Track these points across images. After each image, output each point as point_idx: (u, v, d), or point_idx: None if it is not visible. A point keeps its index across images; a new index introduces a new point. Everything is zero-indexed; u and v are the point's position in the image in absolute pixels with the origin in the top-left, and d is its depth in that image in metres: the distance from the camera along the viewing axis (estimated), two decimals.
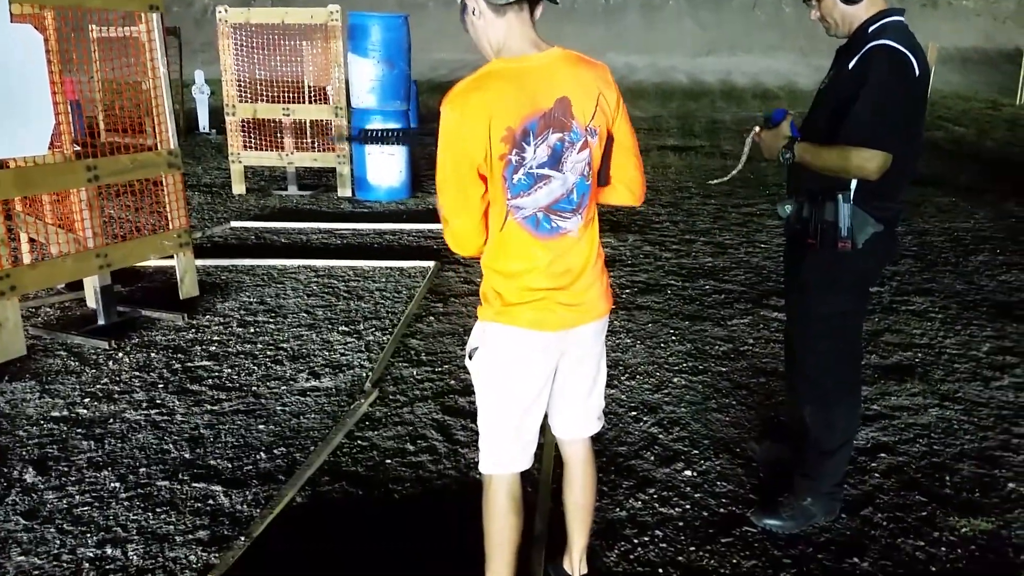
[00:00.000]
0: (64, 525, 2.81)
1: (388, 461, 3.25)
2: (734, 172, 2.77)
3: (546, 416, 2.27)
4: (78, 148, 4.84)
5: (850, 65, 2.43)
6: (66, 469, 3.17)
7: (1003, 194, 8.72)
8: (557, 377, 2.19)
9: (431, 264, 5.87)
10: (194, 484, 3.08)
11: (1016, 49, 24.80)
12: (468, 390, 3.78)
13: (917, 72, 2.36)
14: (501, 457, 2.15)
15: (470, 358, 2.14)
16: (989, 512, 2.94)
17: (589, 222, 2.05)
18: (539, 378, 2.10)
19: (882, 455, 3.32)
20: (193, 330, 4.64)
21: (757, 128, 2.66)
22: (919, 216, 7.66)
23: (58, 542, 2.72)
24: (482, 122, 1.83)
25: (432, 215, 7.63)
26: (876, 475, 3.18)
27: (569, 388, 2.22)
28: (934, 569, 2.63)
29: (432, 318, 4.86)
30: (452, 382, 3.97)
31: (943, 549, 2.73)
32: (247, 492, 3.02)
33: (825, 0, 2.53)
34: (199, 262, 5.57)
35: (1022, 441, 3.45)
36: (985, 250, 6.49)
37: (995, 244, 6.68)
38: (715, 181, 2.80)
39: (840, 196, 2.42)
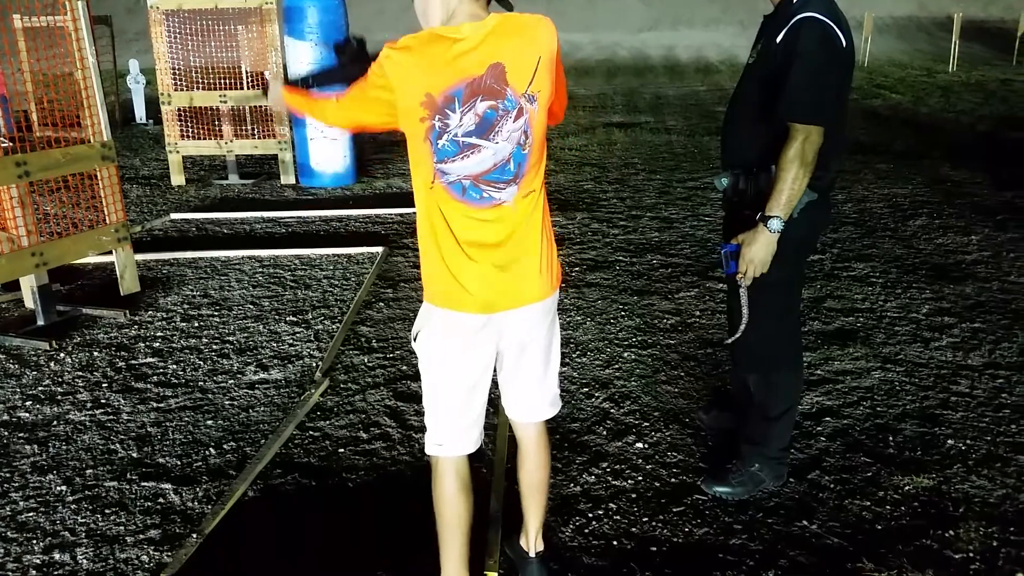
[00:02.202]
0: (8, 532, 2.74)
1: (341, 450, 3.23)
2: (743, 327, 2.72)
3: (500, 396, 2.28)
4: (6, 143, 4.68)
5: (777, 39, 2.45)
6: (8, 475, 3.09)
7: (938, 159, 8.95)
8: (505, 362, 2.19)
9: (379, 250, 5.82)
10: (143, 483, 3.02)
11: (948, 17, 25.34)
12: (420, 375, 3.77)
13: (843, 44, 2.40)
14: (444, 439, 2.16)
15: (414, 340, 2.14)
16: (930, 469, 3.03)
17: (529, 193, 2.01)
18: (478, 360, 2.09)
19: (827, 419, 3.40)
20: (136, 327, 4.54)
21: (738, 274, 2.58)
22: (859, 183, 7.82)
23: (2, 550, 2.65)
24: (410, 79, 1.84)
25: (380, 200, 7.57)
26: (822, 439, 3.25)
27: (520, 373, 2.21)
28: (880, 527, 2.71)
29: (382, 304, 4.83)
30: (404, 368, 3.95)
31: (888, 507, 2.81)
32: (198, 489, 2.98)
33: None
34: (139, 257, 5.45)
35: (960, 399, 3.56)
36: (923, 214, 6.66)
37: (932, 208, 6.85)
38: (730, 340, 2.76)
39: (774, 167, 2.45)
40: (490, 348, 2.10)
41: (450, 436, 2.15)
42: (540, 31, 1.92)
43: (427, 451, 2.19)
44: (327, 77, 2.43)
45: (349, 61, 2.30)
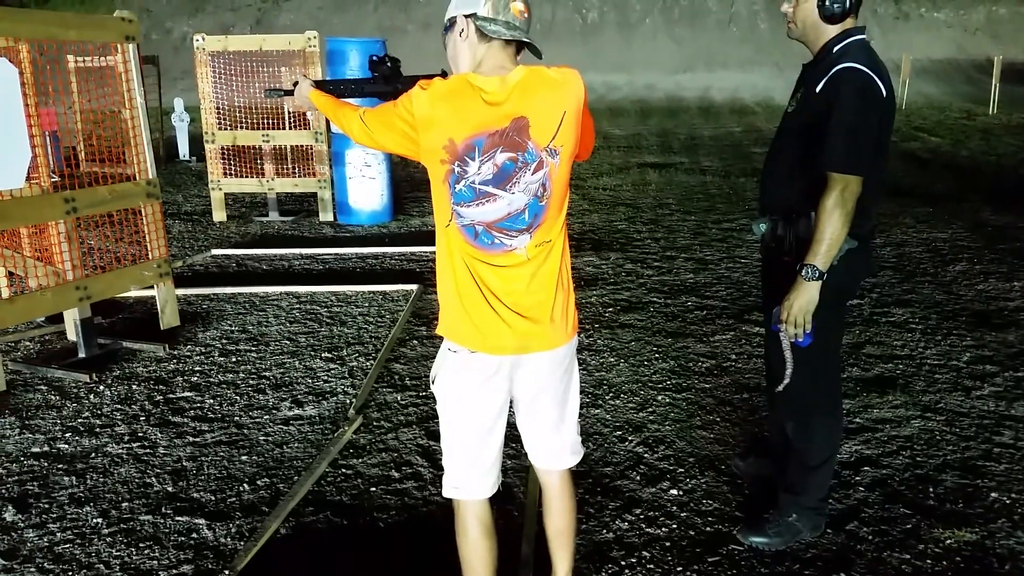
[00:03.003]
0: (45, 564, 2.77)
1: (373, 489, 3.23)
2: (788, 374, 2.68)
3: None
4: (56, 179, 4.81)
5: (818, 88, 2.46)
6: (47, 506, 3.13)
7: (979, 203, 8.83)
8: (520, 408, 2.21)
9: (414, 287, 5.86)
10: (177, 517, 3.05)
11: (987, 59, 25.16)
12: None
13: (884, 93, 2.40)
14: (461, 483, 2.18)
15: (433, 383, 2.18)
16: (973, 523, 2.95)
17: (544, 243, 2.03)
18: (492, 401, 2.11)
19: (866, 468, 3.34)
20: (174, 361, 4.61)
21: (780, 326, 2.56)
22: (897, 227, 7.74)
23: None
24: (435, 122, 1.90)
25: (415, 238, 7.63)
26: (860, 488, 3.19)
27: (535, 420, 2.23)
28: None
29: (416, 342, 4.85)
30: (436, 406, 3.95)
31: (928, 561, 2.74)
32: (231, 524, 3.00)
33: (804, 5, 2.54)
34: (180, 291, 5.55)
35: (1003, 450, 3.48)
36: (963, 259, 6.56)
37: (972, 253, 6.75)
38: (780, 388, 2.73)
39: (813, 213, 2.45)
40: (503, 391, 2.12)
41: (467, 479, 2.17)
42: (567, 86, 1.96)
43: (444, 494, 2.22)
44: (354, 88, 2.50)
45: (382, 78, 2.38)
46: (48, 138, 5.88)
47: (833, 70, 2.42)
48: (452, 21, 2.02)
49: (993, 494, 3.14)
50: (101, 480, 3.33)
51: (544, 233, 2.02)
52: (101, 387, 4.25)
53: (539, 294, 2.05)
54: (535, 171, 1.95)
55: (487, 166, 1.92)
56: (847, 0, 2.47)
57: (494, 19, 1.96)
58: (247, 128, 8.36)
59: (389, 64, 2.41)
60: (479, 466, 2.16)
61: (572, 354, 2.21)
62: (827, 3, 2.48)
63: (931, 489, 3.18)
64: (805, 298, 2.47)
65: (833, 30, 2.53)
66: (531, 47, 2.04)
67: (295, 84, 2.43)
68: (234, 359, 4.63)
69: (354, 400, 4.02)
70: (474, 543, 2.18)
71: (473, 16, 1.96)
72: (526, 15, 2.01)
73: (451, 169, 1.93)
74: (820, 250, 2.41)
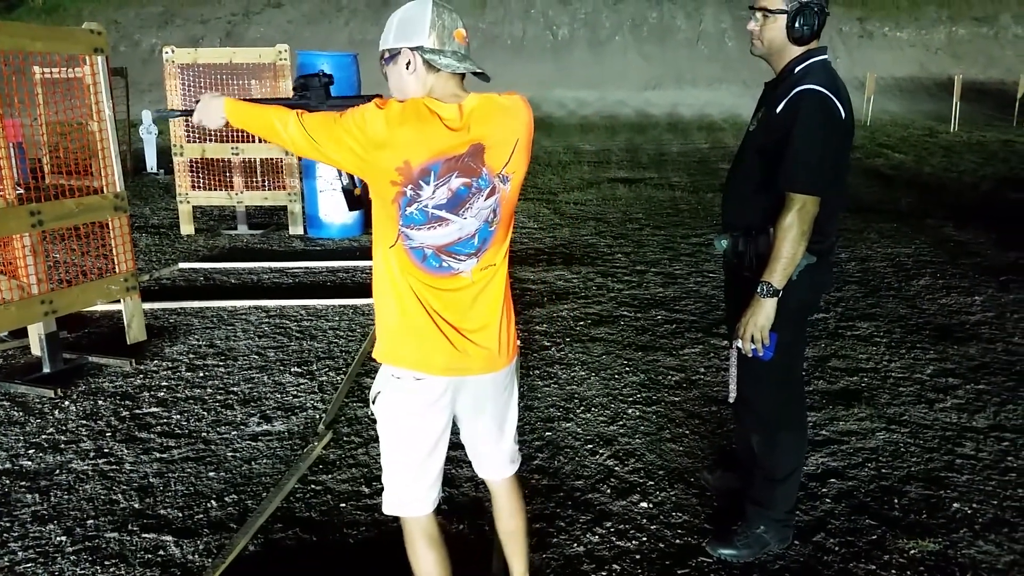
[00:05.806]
0: None
1: (343, 505, 3.21)
2: (733, 393, 2.76)
3: None
4: (21, 191, 4.75)
5: (778, 109, 2.51)
6: (8, 524, 3.08)
7: (942, 219, 9.01)
8: (462, 425, 2.25)
9: None
10: (144, 535, 3.01)
11: (948, 78, 25.72)
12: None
13: (843, 115, 2.46)
14: (403, 501, 2.17)
15: (373, 403, 2.14)
16: (936, 533, 3.00)
17: (489, 267, 2.04)
18: (435, 423, 2.11)
19: (832, 480, 3.38)
20: (141, 376, 4.55)
21: (737, 341, 2.62)
22: (862, 242, 7.87)
23: None
24: (391, 144, 1.85)
25: None
26: (827, 500, 3.23)
27: (476, 437, 2.28)
28: None
29: None
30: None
31: (893, 572, 2.78)
32: (198, 541, 2.96)
33: (772, 25, 2.57)
34: (147, 305, 5.48)
35: (966, 461, 3.54)
36: (926, 274, 6.68)
37: (935, 268, 6.88)
38: (731, 399, 2.81)
39: (772, 230, 2.50)
40: (447, 412, 2.13)
41: (409, 497, 2.17)
42: (520, 114, 1.98)
43: (385, 511, 2.20)
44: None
45: (311, 97, 2.25)
46: (13, 149, 5.80)
47: (793, 91, 2.47)
48: (394, 52, 1.96)
49: (955, 504, 3.20)
50: (65, 497, 3.27)
51: (490, 257, 2.04)
52: (66, 402, 4.19)
53: (483, 317, 2.06)
54: (487, 197, 1.96)
55: (441, 191, 1.90)
56: (815, 23, 2.53)
57: (442, 51, 1.93)
58: (216, 140, 8.30)
59: (323, 80, 2.27)
60: (422, 484, 2.16)
61: (512, 374, 2.25)
62: (797, 26, 2.53)
63: (896, 500, 3.23)
64: (761, 315, 2.52)
65: (797, 50, 2.58)
66: (479, 74, 2.04)
67: (196, 102, 2.23)
68: (202, 374, 4.58)
69: (324, 415, 4.00)
70: (423, 557, 2.19)
71: (419, 49, 1.93)
72: (467, 39, 2.00)
73: (402, 191, 1.89)
74: (776, 268, 2.47)
